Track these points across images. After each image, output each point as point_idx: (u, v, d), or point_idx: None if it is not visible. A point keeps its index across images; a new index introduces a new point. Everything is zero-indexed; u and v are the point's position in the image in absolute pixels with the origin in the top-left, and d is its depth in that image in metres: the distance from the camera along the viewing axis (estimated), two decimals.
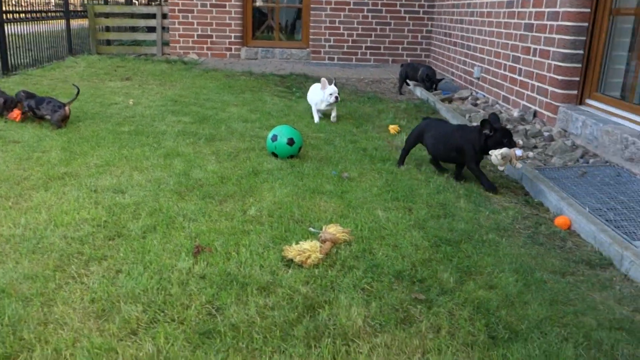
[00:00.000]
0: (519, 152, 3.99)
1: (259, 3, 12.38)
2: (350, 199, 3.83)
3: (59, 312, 2.38)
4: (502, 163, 4.01)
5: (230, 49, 11.77)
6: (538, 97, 6.04)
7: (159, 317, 2.38)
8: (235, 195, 3.82)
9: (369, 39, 11.63)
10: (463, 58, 8.88)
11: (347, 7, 11.46)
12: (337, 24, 11.56)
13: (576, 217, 3.53)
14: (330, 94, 6.01)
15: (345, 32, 11.61)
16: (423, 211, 3.67)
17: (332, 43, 11.65)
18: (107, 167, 4.26)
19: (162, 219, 3.34)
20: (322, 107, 6.17)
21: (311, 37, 11.65)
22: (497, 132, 4.07)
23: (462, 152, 4.24)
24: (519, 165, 4.02)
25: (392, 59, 11.71)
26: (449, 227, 3.43)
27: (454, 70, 9.45)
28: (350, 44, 11.66)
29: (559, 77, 5.57)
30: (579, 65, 5.47)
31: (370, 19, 11.52)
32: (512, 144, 4.04)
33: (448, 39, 9.96)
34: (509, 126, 5.92)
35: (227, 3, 11.53)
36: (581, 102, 5.54)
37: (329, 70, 10.57)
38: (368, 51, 11.69)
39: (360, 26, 11.56)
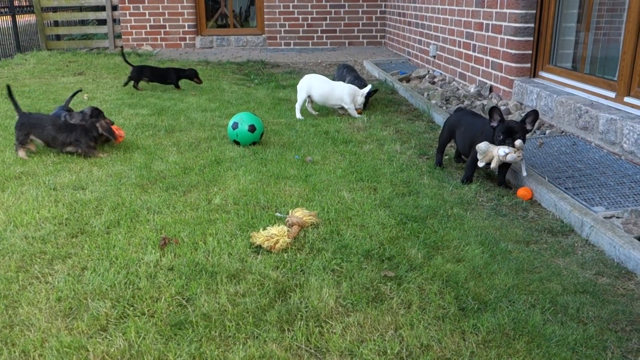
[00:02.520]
0: (501, 152, 3.56)
1: None
2: (315, 182, 3.83)
3: (25, 313, 2.31)
4: (480, 158, 3.69)
5: (185, 39, 11.57)
6: (493, 72, 6.14)
7: (129, 312, 2.34)
8: (199, 185, 3.77)
9: (324, 22, 11.59)
10: (418, 37, 8.95)
11: None
12: (291, 9, 11.48)
13: (536, 187, 3.62)
14: (362, 95, 5.75)
15: (300, 17, 11.54)
16: (388, 190, 3.70)
17: (287, 28, 11.57)
18: (65, 164, 4.15)
19: (125, 213, 3.28)
20: (356, 104, 5.78)
21: (266, 22, 11.54)
22: (498, 126, 3.66)
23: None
24: (493, 165, 3.64)
25: (348, 41, 11.71)
26: (414, 204, 3.47)
27: (410, 50, 9.51)
28: (305, 28, 11.61)
29: (512, 52, 5.67)
30: (531, 38, 5.58)
31: (324, 2, 11.47)
32: (504, 143, 3.60)
33: (402, 18, 10.01)
34: (466, 102, 6.01)
35: None
36: (535, 75, 5.66)
37: (286, 55, 10.50)
38: (324, 35, 11.66)
39: (314, 10, 11.51)
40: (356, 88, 5.78)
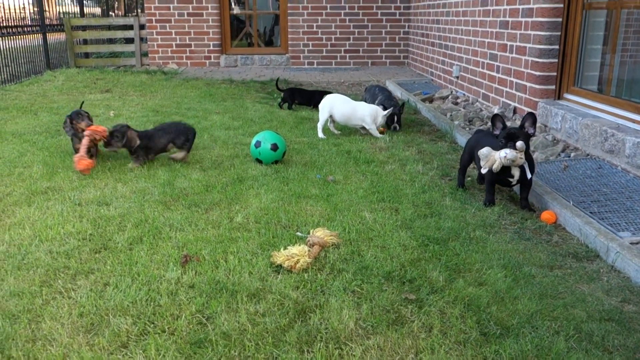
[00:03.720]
0: (502, 153, 3.63)
1: (236, 11, 12.38)
2: (337, 202, 3.83)
3: (47, 328, 2.34)
4: (482, 164, 3.78)
5: (210, 57, 11.74)
6: (517, 93, 6.10)
7: (149, 329, 2.35)
8: (221, 203, 3.80)
9: (347, 42, 11.68)
10: (441, 58, 8.95)
11: (324, 12, 11.50)
12: (315, 29, 11.60)
13: (561, 211, 3.57)
14: (383, 116, 5.78)
15: (324, 37, 11.65)
16: (409, 211, 3.68)
17: (310, 48, 11.68)
18: (90, 180, 4.21)
19: (148, 230, 3.32)
20: (376, 123, 5.78)
21: (290, 42, 11.67)
22: (500, 132, 3.74)
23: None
24: (494, 167, 3.67)
25: (371, 61, 11.77)
26: (436, 226, 3.44)
27: (433, 70, 9.52)
28: (329, 47, 11.70)
29: (537, 73, 5.64)
30: (556, 60, 5.55)
31: (347, 22, 11.57)
32: (506, 147, 3.64)
33: (426, 39, 10.04)
34: (489, 123, 5.97)
35: (204, 11, 11.50)
36: (559, 97, 5.61)
37: (309, 74, 10.58)
38: (347, 54, 11.74)
39: (338, 30, 11.61)
40: (378, 108, 5.79)
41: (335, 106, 5.73)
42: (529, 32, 5.78)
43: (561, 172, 4.35)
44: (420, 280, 2.79)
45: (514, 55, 6.16)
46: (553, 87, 5.62)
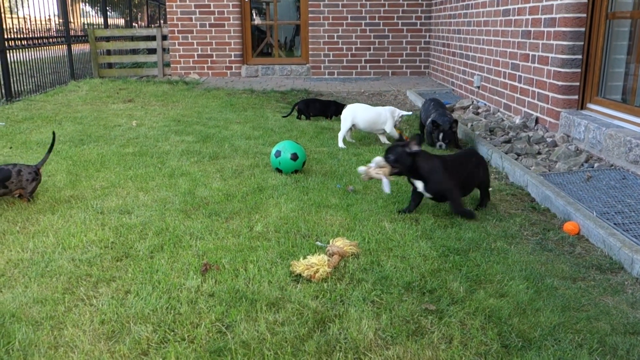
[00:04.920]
0: (372, 163, 3.75)
1: (257, 21, 12.50)
2: (356, 212, 3.82)
3: (69, 335, 2.37)
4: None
5: (231, 68, 11.86)
6: (539, 103, 6.04)
7: (169, 337, 2.37)
8: (241, 212, 3.82)
9: (367, 52, 11.70)
10: (462, 67, 8.92)
11: (344, 22, 11.56)
12: (335, 39, 11.65)
13: (584, 222, 3.51)
14: (399, 115, 5.83)
15: (344, 47, 11.69)
16: (429, 221, 3.66)
17: (331, 58, 11.73)
18: (112, 189, 4.27)
19: (169, 238, 3.34)
20: (388, 128, 5.83)
21: (310, 52, 11.73)
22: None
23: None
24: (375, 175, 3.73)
25: (391, 71, 11.78)
26: (457, 237, 3.41)
27: (453, 80, 9.48)
28: (349, 58, 11.74)
29: (559, 83, 5.58)
30: (579, 70, 5.49)
31: (368, 33, 11.60)
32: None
33: (447, 49, 10.01)
34: (511, 134, 5.93)
35: (225, 22, 11.63)
36: (582, 107, 5.54)
37: (330, 84, 10.62)
38: (367, 64, 11.76)
39: (358, 40, 11.65)
40: (394, 108, 5.88)
41: (358, 115, 5.77)
42: (551, 41, 5.73)
43: (584, 182, 4.29)
44: (440, 290, 2.77)
45: (536, 65, 6.11)
46: (576, 97, 5.56)
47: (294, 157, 4.66)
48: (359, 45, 11.68)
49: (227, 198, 4.09)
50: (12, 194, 3.90)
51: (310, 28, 11.61)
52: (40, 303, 2.61)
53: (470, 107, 7.73)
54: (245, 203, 3.98)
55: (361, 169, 3.79)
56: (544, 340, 2.36)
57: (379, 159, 3.76)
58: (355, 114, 5.77)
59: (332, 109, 7.34)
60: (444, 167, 3.72)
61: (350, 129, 5.87)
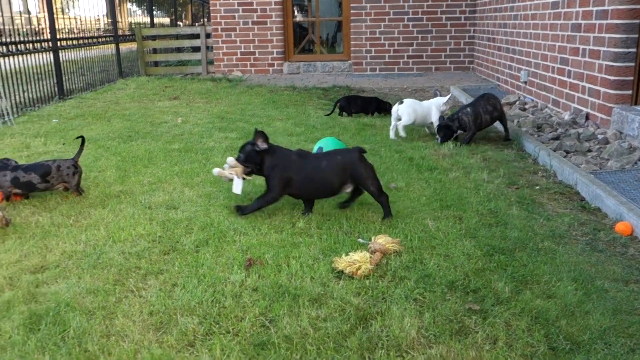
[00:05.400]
0: (226, 165, 3.76)
1: (299, 18, 12.55)
2: (399, 209, 3.80)
3: (120, 324, 2.45)
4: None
5: (273, 65, 11.94)
6: (590, 99, 5.87)
7: (215, 329, 2.42)
8: (284, 208, 3.85)
9: (410, 48, 11.59)
10: (508, 62, 8.73)
11: (387, 18, 11.47)
12: (377, 35, 11.58)
13: (637, 222, 3.40)
14: (445, 103, 5.90)
15: (386, 43, 11.61)
16: (474, 220, 3.61)
17: (373, 54, 11.67)
18: (159, 184, 4.38)
19: (213, 233, 3.41)
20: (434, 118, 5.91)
21: (352, 49, 11.70)
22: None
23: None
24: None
25: (435, 66, 11.63)
26: (502, 236, 3.36)
27: (499, 75, 9.30)
28: (391, 53, 11.66)
29: (611, 78, 5.40)
30: (633, 64, 5.30)
31: (411, 28, 11.49)
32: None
33: (492, 43, 9.82)
34: (559, 130, 5.78)
35: (268, 20, 11.72)
36: (636, 103, 5.35)
37: (372, 81, 10.58)
38: (410, 60, 11.65)
39: (401, 36, 11.55)
40: (439, 98, 5.98)
41: (417, 109, 5.90)
42: (603, 34, 5.55)
43: (638, 181, 4.14)
44: (484, 290, 2.73)
45: (586, 59, 5.93)
46: (629, 92, 5.37)
47: None
48: (401, 41, 11.58)
49: None
50: (54, 188, 4.06)
51: (352, 24, 11.58)
52: (92, 293, 2.70)
53: (517, 102, 7.57)
54: (287, 199, 4.01)
55: (215, 170, 3.78)
56: (593, 344, 2.30)
57: (230, 159, 3.75)
58: (415, 109, 5.88)
59: (373, 105, 7.30)
60: (284, 165, 3.62)
61: (397, 124, 5.95)
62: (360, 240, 3.29)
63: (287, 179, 3.62)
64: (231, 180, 3.69)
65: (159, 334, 2.39)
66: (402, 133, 5.94)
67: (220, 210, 3.79)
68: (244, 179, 3.71)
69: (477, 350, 2.27)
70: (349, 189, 3.71)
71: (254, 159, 3.65)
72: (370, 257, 2.98)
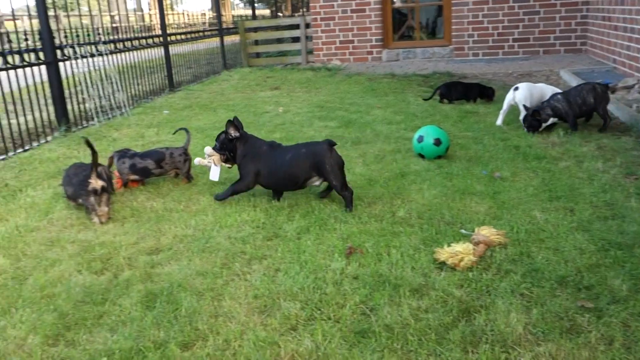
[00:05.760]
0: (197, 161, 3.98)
1: (398, 4, 12.37)
2: (504, 200, 3.67)
3: (227, 306, 2.56)
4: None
5: (372, 53, 11.88)
6: None
7: (316, 315, 2.46)
8: (384, 197, 3.84)
9: (516, 30, 11.06)
10: (627, 43, 8.09)
11: (490, 0, 11.02)
12: (480, 18, 11.16)
13: None
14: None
15: (490, 26, 11.16)
16: (587, 212, 3.40)
17: (476, 38, 11.27)
18: None
19: (314, 221, 3.47)
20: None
21: (453, 33, 11.37)
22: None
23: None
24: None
25: (542, 49, 11.02)
26: (619, 230, 3.13)
27: (615, 57, 8.65)
28: (495, 37, 11.19)
29: None
30: None
31: (516, 10, 10.96)
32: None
33: (607, 22, 9.14)
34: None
35: (366, 7, 11.66)
36: None
37: (474, 66, 10.23)
38: (516, 43, 11.13)
39: (506, 18, 11.05)
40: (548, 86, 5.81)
41: (533, 94, 5.66)
42: None
43: None
44: (599, 287, 2.57)
45: None
46: None
47: (437, 142, 4.57)
48: (506, 24, 11.07)
49: (369, 183, 4.13)
50: (167, 174, 4.33)
51: (453, 8, 11.24)
52: (202, 275, 2.85)
53: (636, 86, 7.00)
54: (387, 188, 4.00)
55: (197, 160, 4.00)
56: None
57: (208, 148, 3.92)
58: (532, 93, 5.64)
59: (476, 91, 7.04)
60: (253, 155, 3.75)
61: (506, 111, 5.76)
62: (463, 231, 3.21)
63: (256, 169, 3.76)
64: (210, 167, 3.95)
65: (263, 316, 2.48)
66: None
67: (320, 198, 3.85)
68: (229, 167, 3.97)
69: (590, 351, 2.15)
70: (317, 182, 3.74)
71: (227, 147, 3.84)
72: (474, 249, 2.90)
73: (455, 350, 2.19)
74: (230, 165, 3.96)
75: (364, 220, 3.46)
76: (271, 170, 3.74)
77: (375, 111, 6.78)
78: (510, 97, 5.69)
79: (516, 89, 5.67)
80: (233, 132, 3.81)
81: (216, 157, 3.90)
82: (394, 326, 2.35)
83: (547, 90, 5.68)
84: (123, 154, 4.25)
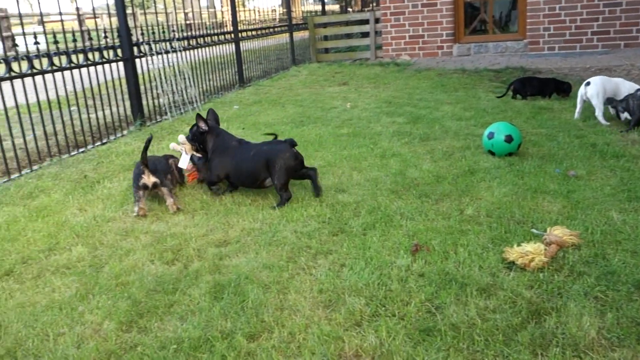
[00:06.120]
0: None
1: None
2: (578, 199, 3.52)
3: (292, 299, 2.61)
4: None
5: (442, 47, 11.67)
6: None
7: (381, 311, 2.47)
8: (452, 194, 3.78)
9: (595, 23, 10.53)
10: None
11: None
12: (557, 11, 10.71)
13: None
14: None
15: (567, 19, 10.68)
16: None
17: (551, 31, 10.82)
18: (329, 168, 4.55)
19: (380, 217, 3.46)
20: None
21: (528, 27, 10.97)
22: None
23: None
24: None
25: (624, 42, 10.45)
26: None
27: None
28: (572, 30, 10.71)
29: None
30: None
31: (596, 1, 10.43)
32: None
33: None
34: None
35: (437, 1, 11.45)
36: None
37: (549, 61, 9.85)
38: (595, 37, 10.60)
39: (584, 10, 10.54)
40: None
41: (607, 88, 5.40)
42: None
43: None
44: None
45: None
46: None
47: (509, 139, 4.45)
48: (584, 16, 10.57)
49: (437, 180, 4.08)
50: None
51: (528, 1, 10.84)
52: (268, 268, 2.91)
53: None
54: (455, 185, 3.93)
55: (172, 145, 4.32)
56: None
57: (181, 136, 4.20)
58: (605, 87, 5.38)
59: (551, 86, 6.78)
60: (222, 149, 3.97)
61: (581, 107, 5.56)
62: (534, 231, 3.12)
63: (223, 163, 3.97)
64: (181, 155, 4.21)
65: (327, 311, 2.51)
66: (602, 121, 5.37)
67: (387, 195, 3.84)
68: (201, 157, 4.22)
69: None
70: (270, 183, 3.89)
71: (198, 139, 4.10)
72: (545, 250, 2.81)
73: (524, 352, 2.14)
74: (200, 155, 4.21)
75: (431, 218, 3.42)
76: (236, 166, 3.94)
77: (445, 107, 6.67)
78: (582, 92, 5.47)
79: (587, 83, 5.43)
80: (203, 126, 4.05)
81: (187, 146, 4.17)
82: (460, 325, 2.32)
83: (625, 85, 5.38)
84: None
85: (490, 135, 4.53)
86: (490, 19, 11.82)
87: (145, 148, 3.76)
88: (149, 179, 3.80)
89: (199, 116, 4.04)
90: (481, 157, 4.56)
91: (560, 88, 6.73)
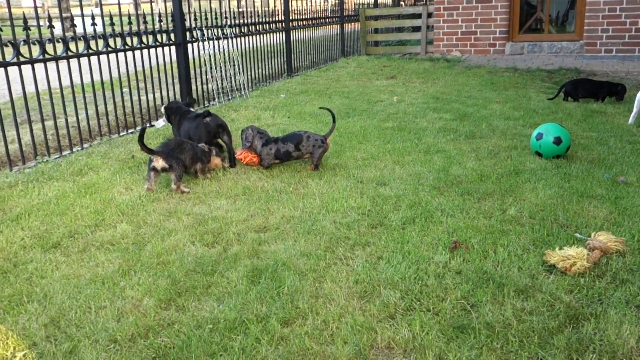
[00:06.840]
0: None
1: None
2: (626, 206, 3.42)
3: (328, 288, 2.64)
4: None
5: (495, 45, 11.45)
6: None
7: (415, 306, 2.47)
8: (495, 193, 3.73)
9: None
10: None
11: None
12: (617, 12, 10.35)
13: None
14: None
15: (628, 20, 10.31)
16: None
17: (610, 33, 10.47)
18: (372, 161, 4.55)
19: (420, 212, 3.45)
20: None
21: (586, 27, 10.64)
22: None
23: None
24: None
25: None
26: None
27: None
28: (632, 33, 10.34)
29: None
30: None
31: None
32: None
33: None
34: None
35: None
36: None
37: (605, 63, 9.54)
38: None
39: None
40: None
41: None
42: None
43: None
44: None
45: None
46: None
47: (557, 141, 4.35)
48: None
49: (480, 178, 4.03)
50: (303, 157, 4.43)
51: (588, 0, 10.50)
52: (305, 256, 2.95)
53: None
54: (499, 185, 3.88)
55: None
56: None
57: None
58: None
59: (605, 90, 6.56)
60: (177, 141, 4.29)
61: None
62: (577, 235, 3.05)
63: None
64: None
65: (362, 302, 2.53)
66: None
67: (428, 190, 3.82)
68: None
69: None
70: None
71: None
72: (588, 255, 2.75)
73: (559, 356, 2.11)
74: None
75: (472, 216, 3.39)
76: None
77: (493, 105, 6.56)
78: (639, 97, 5.27)
79: None
80: (161, 122, 4.72)
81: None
82: (495, 325, 2.31)
83: None
84: (267, 140, 4.40)
85: (539, 136, 4.44)
86: (546, 18, 11.52)
87: (141, 136, 3.95)
88: (157, 163, 4.03)
89: (165, 108, 5.04)
90: (528, 157, 4.47)
91: (613, 90, 6.51)
